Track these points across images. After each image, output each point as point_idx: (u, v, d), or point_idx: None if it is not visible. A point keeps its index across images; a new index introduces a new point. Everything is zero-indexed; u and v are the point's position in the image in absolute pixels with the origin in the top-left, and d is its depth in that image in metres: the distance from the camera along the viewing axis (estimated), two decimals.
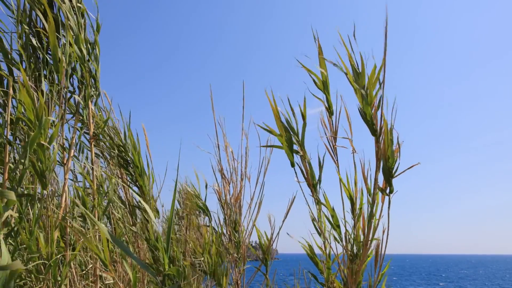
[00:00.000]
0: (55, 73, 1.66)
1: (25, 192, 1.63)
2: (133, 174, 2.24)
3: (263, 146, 1.48)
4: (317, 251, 1.55)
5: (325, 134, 1.39)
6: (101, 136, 2.19)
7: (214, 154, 2.19)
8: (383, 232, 1.20)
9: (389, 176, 1.12)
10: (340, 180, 1.34)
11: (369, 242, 1.25)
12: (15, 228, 1.50)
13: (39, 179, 1.54)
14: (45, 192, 1.58)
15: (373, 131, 1.16)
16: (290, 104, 1.40)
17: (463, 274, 49.55)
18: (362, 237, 1.28)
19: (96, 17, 1.92)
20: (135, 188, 2.36)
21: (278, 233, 1.89)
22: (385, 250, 1.22)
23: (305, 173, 1.40)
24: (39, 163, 1.49)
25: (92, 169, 2.07)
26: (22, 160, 1.44)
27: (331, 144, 1.38)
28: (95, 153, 2.35)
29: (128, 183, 2.33)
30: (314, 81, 1.35)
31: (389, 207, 1.15)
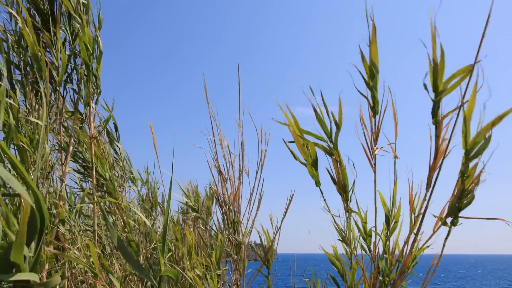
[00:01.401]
0: (37, 72, 1.61)
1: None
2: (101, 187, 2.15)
3: (290, 142, 1.32)
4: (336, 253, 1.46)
5: (364, 135, 1.20)
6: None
7: (210, 150, 2.07)
8: (432, 264, 1.09)
9: (456, 211, 0.98)
10: (379, 193, 1.21)
11: (407, 271, 1.15)
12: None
13: (23, 181, 1.51)
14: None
15: (464, 177, 0.92)
16: (323, 100, 1.20)
17: (462, 274, 49.58)
18: (390, 251, 1.20)
19: (98, 12, 1.87)
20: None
21: (278, 232, 1.85)
22: (427, 283, 1.11)
23: (336, 178, 1.25)
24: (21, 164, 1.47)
25: (93, 169, 2.04)
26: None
27: (370, 147, 1.19)
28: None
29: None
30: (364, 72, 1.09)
31: (446, 239, 1.01)
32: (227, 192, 2.04)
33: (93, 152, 1.92)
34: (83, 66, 1.76)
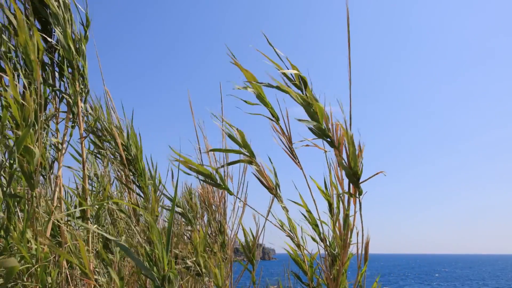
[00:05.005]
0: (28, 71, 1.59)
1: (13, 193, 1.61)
2: (135, 173, 2.23)
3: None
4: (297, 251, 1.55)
5: (280, 139, 1.36)
6: (100, 134, 2.19)
7: (196, 158, 2.25)
8: (357, 234, 1.20)
9: (355, 180, 1.11)
10: (316, 184, 1.34)
11: (348, 244, 1.24)
12: (5, 227, 1.48)
13: (27, 181, 1.51)
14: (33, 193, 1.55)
15: (332, 144, 1.14)
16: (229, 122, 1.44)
17: (458, 274, 49.71)
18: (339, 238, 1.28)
19: (85, 10, 1.87)
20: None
21: (263, 229, 1.91)
22: (362, 251, 1.22)
23: (264, 181, 1.40)
24: (26, 165, 1.47)
25: (83, 167, 2.06)
26: (11, 161, 1.42)
27: (288, 148, 1.35)
28: (94, 152, 2.34)
29: (130, 184, 2.30)
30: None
31: (360, 209, 1.16)
32: (213, 196, 2.18)
33: (84, 152, 1.94)
34: (69, 67, 1.76)
